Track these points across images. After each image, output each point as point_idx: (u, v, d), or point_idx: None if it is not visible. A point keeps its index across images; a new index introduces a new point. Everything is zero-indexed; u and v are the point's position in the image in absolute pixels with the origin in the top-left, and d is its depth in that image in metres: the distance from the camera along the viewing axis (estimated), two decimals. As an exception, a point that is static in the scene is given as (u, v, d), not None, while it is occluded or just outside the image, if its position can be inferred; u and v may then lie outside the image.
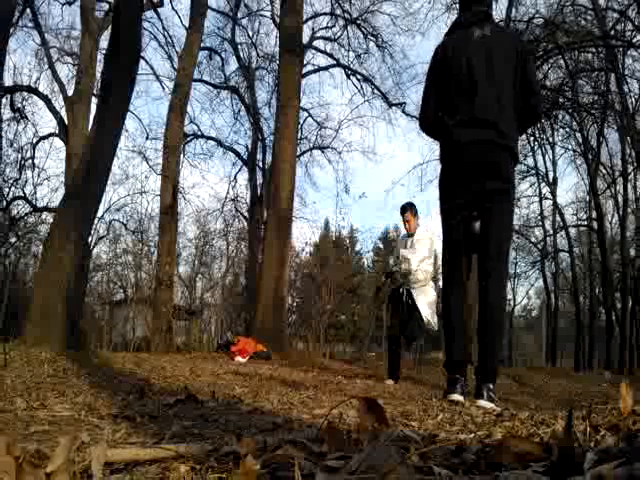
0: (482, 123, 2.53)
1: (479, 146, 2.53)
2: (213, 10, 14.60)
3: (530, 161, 18.19)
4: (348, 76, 15.04)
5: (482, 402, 2.31)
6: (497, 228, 2.57)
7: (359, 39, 14.45)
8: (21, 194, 14.97)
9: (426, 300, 4.80)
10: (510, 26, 11.78)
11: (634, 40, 12.41)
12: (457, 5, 2.94)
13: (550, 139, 17.87)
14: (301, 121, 14.02)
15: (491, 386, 2.44)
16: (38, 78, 14.22)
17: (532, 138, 16.88)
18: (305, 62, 13.69)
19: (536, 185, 19.68)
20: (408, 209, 4.95)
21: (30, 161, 14.73)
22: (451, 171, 2.68)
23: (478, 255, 2.64)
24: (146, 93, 32.25)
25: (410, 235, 4.97)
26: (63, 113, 13.60)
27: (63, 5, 13.40)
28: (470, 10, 2.75)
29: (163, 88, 14.35)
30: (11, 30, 8.83)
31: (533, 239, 23.16)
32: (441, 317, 2.75)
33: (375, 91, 15.01)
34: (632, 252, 19.13)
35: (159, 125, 16.62)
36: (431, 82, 2.80)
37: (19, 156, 14.46)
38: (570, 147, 17.79)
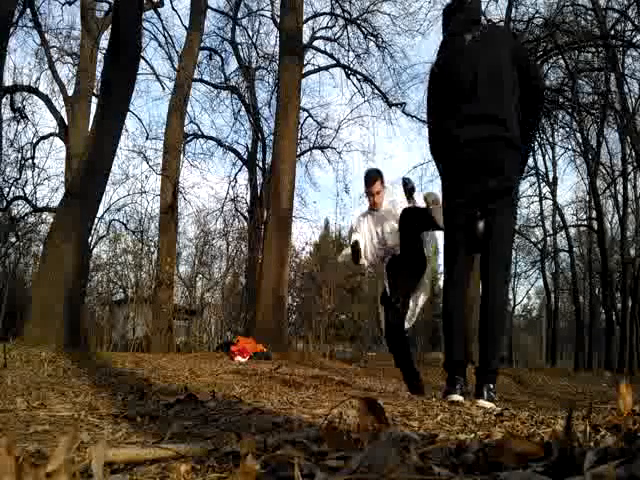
0: (484, 118, 2.51)
1: (481, 143, 2.52)
2: (213, 10, 14.63)
3: (530, 161, 18.19)
4: (348, 76, 15.05)
5: (482, 402, 2.30)
6: (500, 228, 2.55)
7: (359, 39, 14.48)
8: (21, 194, 14.98)
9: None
10: (510, 26, 11.77)
11: (634, 40, 12.42)
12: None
13: (550, 139, 17.88)
14: (301, 121, 14.02)
15: (491, 386, 2.43)
16: (38, 78, 14.24)
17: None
18: (305, 62, 13.70)
19: (536, 185, 19.72)
20: (378, 178, 3.70)
21: (30, 161, 14.76)
22: (453, 170, 2.66)
23: (481, 255, 2.63)
24: (146, 93, 32.23)
25: (375, 210, 3.75)
26: (63, 113, 13.62)
27: (63, 5, 13.42)
28: (455, 17, 2.76)
29: (163, 88, 14.35)
30: (11, 30, 8.82)
31: (533, 239, 23.22)
32: (442, 317, 2.72)
33: (375, 91, 15.02)
34: (632, 252, 19.14)
35: (159, 125, 16.66)
36: (433, 103, 2.78)
37: (19, 156, 14.49)
38: (570, 147, 17.82)
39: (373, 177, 3.69)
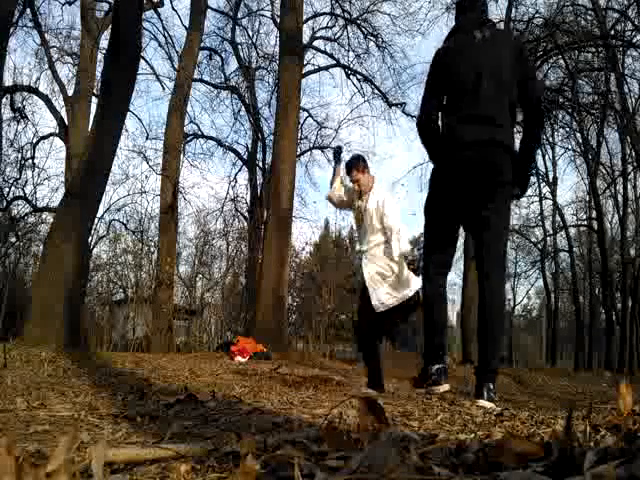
0: (484, 119, 2.52)
1: (481, 147, 2.53)
2: (213, 10, 14.61)
3: (529, 162, 18.15)
4: (348, 76, 15.05)
5: (482, 402, 2.30)
6: (495, 228, 2.57)
7: (359, 39, 14.47)
8: (21, 194, 14.96)
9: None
10: (510, 26, 11.78)
11: (634, 40, 12.42)
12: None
13: (550, 139, 17.87)
14: (301, 121, 14.02)
15: (491, 386, 2.43)
16: (38, 78, 14.23)
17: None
18: (305, 62, 13.69)
19: (536, 185, 19.69)
20: (354, 167, 3.65)
21: (30, 161, 14.73)
22: (449, 169, 2.66)
23: (476, 257, 2.65)
24: (146, 93, 32.21)
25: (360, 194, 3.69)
26: (63, 113, 13.61)
27: (63, 5, 13.40)
28: (465, 16, 2.77)
29: (163, 88, 14.35)
30: (11, 30, 8.82)
31: (533, 239, 23.22)
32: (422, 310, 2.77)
33: (375, 91, 15.01)
34: (632, 252, 19.13)
35: (159, 125, 16.66)
36: (431, 86, 2.78)
37: (19, 156, 14.46)
38: (570, 147, 17.81)
39: (354, 165, 3.69)
